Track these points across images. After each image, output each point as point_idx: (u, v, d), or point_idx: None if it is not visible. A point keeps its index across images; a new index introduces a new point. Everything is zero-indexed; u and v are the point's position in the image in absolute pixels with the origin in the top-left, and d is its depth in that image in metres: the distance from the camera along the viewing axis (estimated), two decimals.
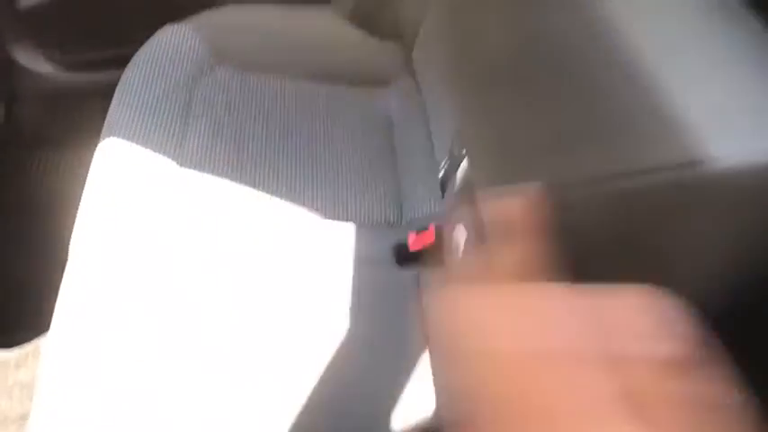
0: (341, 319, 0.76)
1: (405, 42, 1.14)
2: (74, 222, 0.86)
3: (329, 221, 0.87)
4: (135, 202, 0.81)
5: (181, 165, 0.86)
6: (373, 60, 1.15)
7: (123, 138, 0.88)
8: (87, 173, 0.91)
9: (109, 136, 0.89)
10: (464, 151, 0.74)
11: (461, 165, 0.75)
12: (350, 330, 0.75)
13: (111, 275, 0.74)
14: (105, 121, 0.92)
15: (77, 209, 0.88)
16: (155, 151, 0.87)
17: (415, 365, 0.74)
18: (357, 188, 0.93)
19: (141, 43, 1.09)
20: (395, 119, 1.05)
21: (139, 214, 0.80)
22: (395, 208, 0.92)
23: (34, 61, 1.25)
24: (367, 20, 1.18)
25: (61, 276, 0.80)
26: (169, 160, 0.86)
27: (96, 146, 0.91)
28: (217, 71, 1.01)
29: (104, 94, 1.22)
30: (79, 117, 1.27)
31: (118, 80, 1.16)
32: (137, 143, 0.87)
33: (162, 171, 0.85)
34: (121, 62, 1.23)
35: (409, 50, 1.13)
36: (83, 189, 0.90)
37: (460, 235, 0.70)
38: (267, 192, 0.87)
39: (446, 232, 0.80)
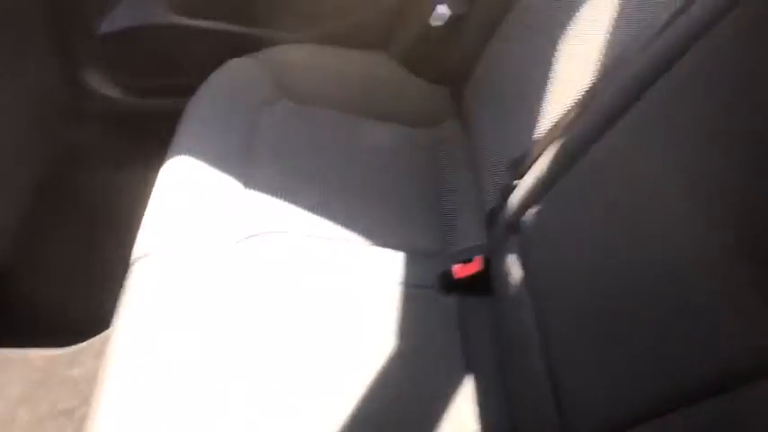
0: (386, 338, 0.80)
1: (454, 86, 1.20)
2: (133, 236, 0.92)
3: (377, 248, 0.91)
4: (198, 216, 0.86)
5: (246, 186, 0.92)
6: (423, 102, 1.21)
7: (189, 157, 0.94)
8: (147, 190, 0.98)
9: (176, 155, 0.95)
10: (515, 182, 0.78)
11: (512, 195, 0.79)
12: (394, 350, 0.78)
13: (172, 282, 0.79)
14: (173, 141, 0.99)
15: (136, 223, 0.94)
16: (220, 171, 0.92)
17: (456, 388, 0.77)
18: (404, 219, 0.98)
19: (206, 74, 1.17)
20: (441, 157, 1.10)
21: (201, 228, 0.85)
22: (438, 239, 0.96)
23: (104, 85, 1.34)
24: (419, 64, 1.24)
25: (118, 284, 0.85)
26: (233, 180, 0.92)
27: (158, 166, 0.98)
28: (278, 103, 1.08)
29: (167, 120, 1.29)
30: (143, 140, 1.35)
31: (181, 107, 1.23)
32: (202, 163, 0.93)
33: (226, 190, 0.90)
34: (185, 91, 1.31)
35: (458, 93, 1.19)
36: (143, 205, 0.96)
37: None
38: (321, 215, 0.92)
39: (494, 263, 0.84)
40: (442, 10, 1.17)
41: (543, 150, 0.76)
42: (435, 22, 1.18)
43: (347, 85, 1.18)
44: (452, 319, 0.84)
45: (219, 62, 1.18)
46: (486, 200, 0.92)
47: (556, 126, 0.77)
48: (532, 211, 0.73)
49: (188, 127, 0.99)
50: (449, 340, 0.82)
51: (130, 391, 0.68)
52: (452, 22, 1.18)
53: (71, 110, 1.33)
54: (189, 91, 1.30)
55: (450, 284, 0.87)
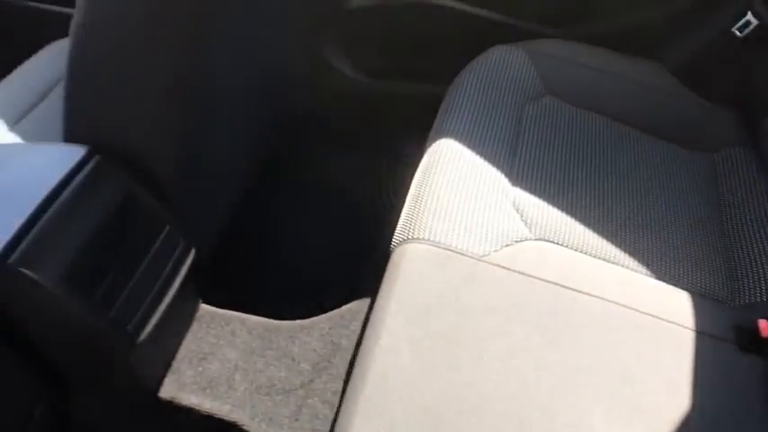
0: (674, 388, 0.66)
1: (745, 108, 1.03)
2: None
3: (655, 280, 0.77)
4: (463, 209, 0.77)
5: (511, 183, 0.81)
6: (701, 123, 1.04)
7: (454, 143, 0.85)
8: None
9: (440, 140, 0.86)
10: None
11: None
12: (687, 405, 0.64)
13: (436, 276, 0.70)
14: (436, 125, 0.91)
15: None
16: (486, 163, 0.83)
17: None
18: (683, 251, 0.83)
19: (453, 60, 1.08)
20: (724, 187, 0.94)
21: (467, 224, 0.75)
22: (727, 284, 0.80)
23: (344, 62, 1.29)
24: (698, 79, 1.08)
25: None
26: (499, 176, 0.82)
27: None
28: (543, 99, 0.97)
29: (404, 103, 1.22)
30: (376, 122, 1.29)
31: (419, 92, 1.16)
32: (468, 152, 0.84)
33: (491, 186, 0.80)
34: (428, 76, 1.23)
35: (749, 117, 1.02)
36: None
37: None
38: (591, 231, 0.80)
39: None
40: (748, 18, 1.00)
41: None
42: (737, 32, 1.01)
43: (615, 91, 1.05)
44: (755, 385, 0.68)
45: (470, 50, 1.09)
46: None
47: None
48: None
49: (452, 111, 0.90)
50: (751, 411, 0.66)
51: (395, 382, 0.59)
52: (758, 34, 1.00)
53: (308, 84, 1.30)
54: (430, 76, 1.23)
55: (754, 343, 0.71)
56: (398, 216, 0.79)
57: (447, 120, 0.89)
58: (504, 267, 0.70)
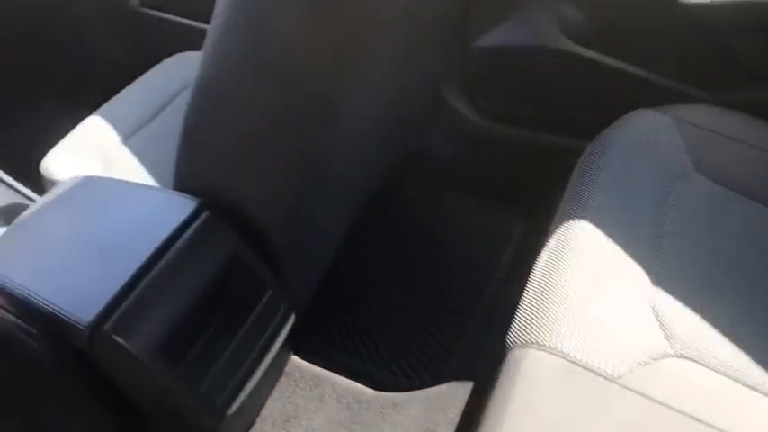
0: None
1: None
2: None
3: None
4: (593, 309, 0.68)
5: (654, 283, 0.72)
6: None
7: (587, 225, 0.76)
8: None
9: (570, 219, 0.77)
10: None
11: None
12: None
13: (558, 392, 0.61)
14: (565, 201, 0.82)
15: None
16: (624, 253, 0.73)
17: None
18: None
19: (584, 114, 0.99)
20: None
21: (597, 328, 0.66)
22: None
23: (461, 101, 1.22)
24: None
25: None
26: (639, 270, 0.72)
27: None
28: (693, 179, 0.86)
29: (523, 151, 1.13)
30: (497, 171, 1.21)
31: (542, 143, 1.07)
32: (603, 236, 0.75)
33: (629, 282, 0.71)
34: (556, 128, 1.14)
35: None
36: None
37: None
38: (740, 345, 0.69)
39: None
40: None
41: None
42: None
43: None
44: None
45: (607, 105, 0.99)
46: None
47: None
48: None
49: (587, 187, 0.81)
50: None
51: None
52: None
53: (426, 124, 1.24)
54: (559, 127, 1.14)
55: None
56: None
57: (580, 196, 0.80)
58: (639, 393, 0.61)
